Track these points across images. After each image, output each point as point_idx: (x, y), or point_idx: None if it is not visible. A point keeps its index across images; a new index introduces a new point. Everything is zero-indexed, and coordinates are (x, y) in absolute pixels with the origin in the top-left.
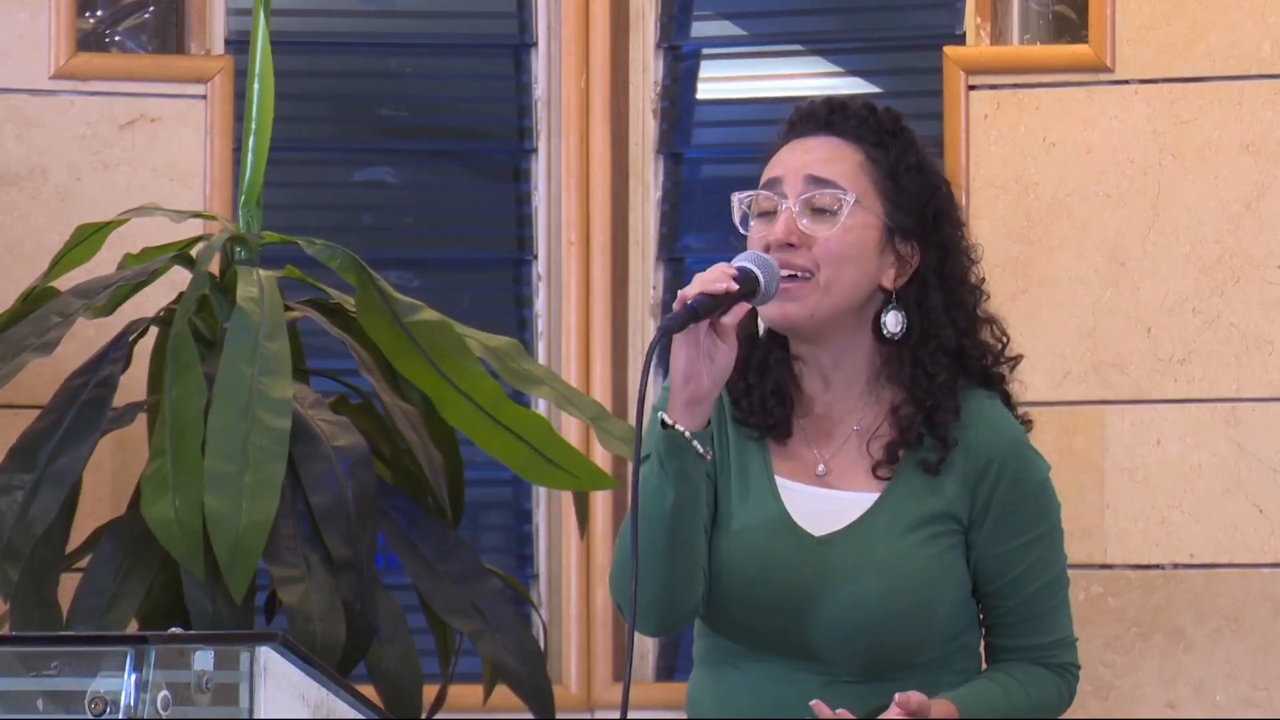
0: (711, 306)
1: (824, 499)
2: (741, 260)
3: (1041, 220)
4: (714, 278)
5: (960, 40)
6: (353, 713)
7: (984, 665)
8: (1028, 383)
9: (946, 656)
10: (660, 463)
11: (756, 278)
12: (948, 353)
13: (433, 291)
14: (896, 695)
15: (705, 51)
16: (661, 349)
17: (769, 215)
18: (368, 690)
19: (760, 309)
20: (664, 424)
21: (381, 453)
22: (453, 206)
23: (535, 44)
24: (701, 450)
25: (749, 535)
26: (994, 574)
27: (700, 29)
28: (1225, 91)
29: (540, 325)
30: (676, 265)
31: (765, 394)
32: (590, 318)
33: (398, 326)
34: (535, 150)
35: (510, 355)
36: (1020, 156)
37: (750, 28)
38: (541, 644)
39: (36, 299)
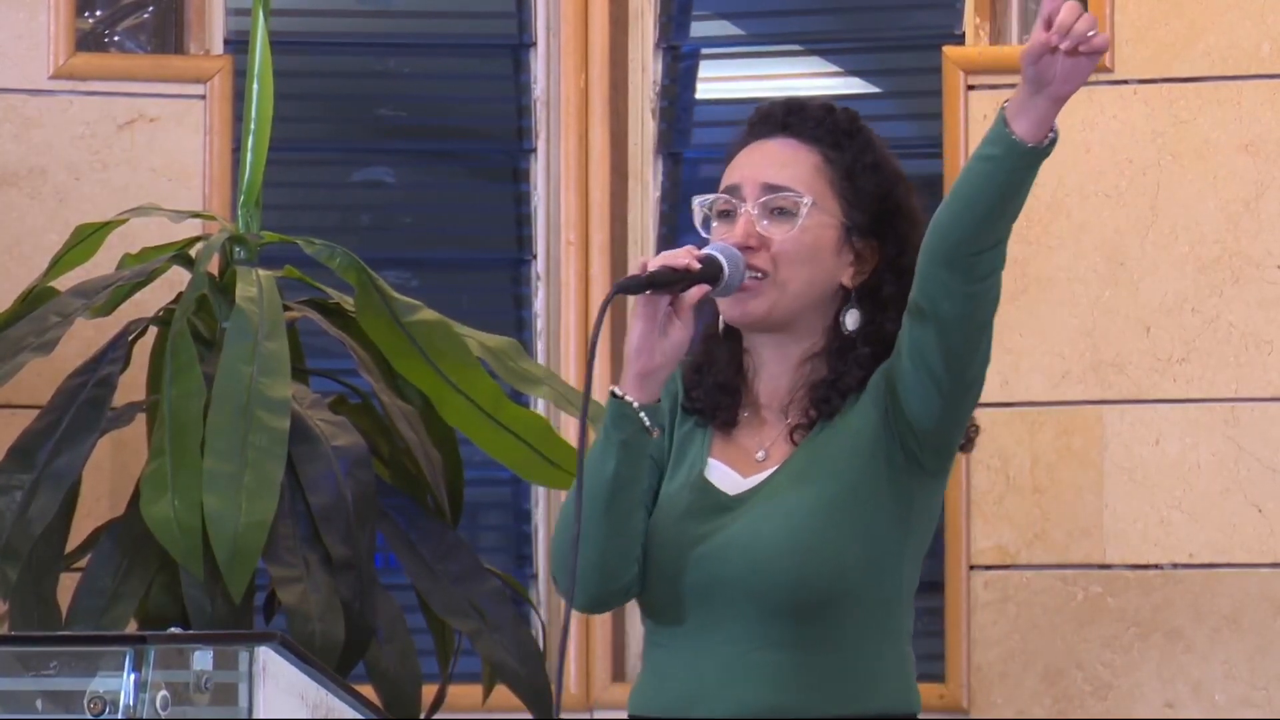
0: (670, 279)
1: (750, 469)
2: (710, 248)
3: (1040, 220)
4: (678, 254)
5: (959, 40)
6: (351, 713)
7: (910, 638)
8: (1026, 383)
9: (870, 620)
10: (605, 432)
11: (720, 264)
12: (885, 336)
13: (431, 291)
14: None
15: (704, 51)
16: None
17: (729, 217)
18: (366, 690)
19: (721, 305)
20: (613, 394)
21: (380, 453)
22: (451, 206)
23: (534, 44)
24: (648, 424)
25: (667, 500)
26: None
27: (699, 29)
28: (1224, 91)
29: (539, 325)
30: None
31: (714, 386)
32: (589, 318)
33: (396, 326)
34: (534, 150)
35: (509, 355)
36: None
37: (749, 28)
38: (540, 644)
39: (35, 299)
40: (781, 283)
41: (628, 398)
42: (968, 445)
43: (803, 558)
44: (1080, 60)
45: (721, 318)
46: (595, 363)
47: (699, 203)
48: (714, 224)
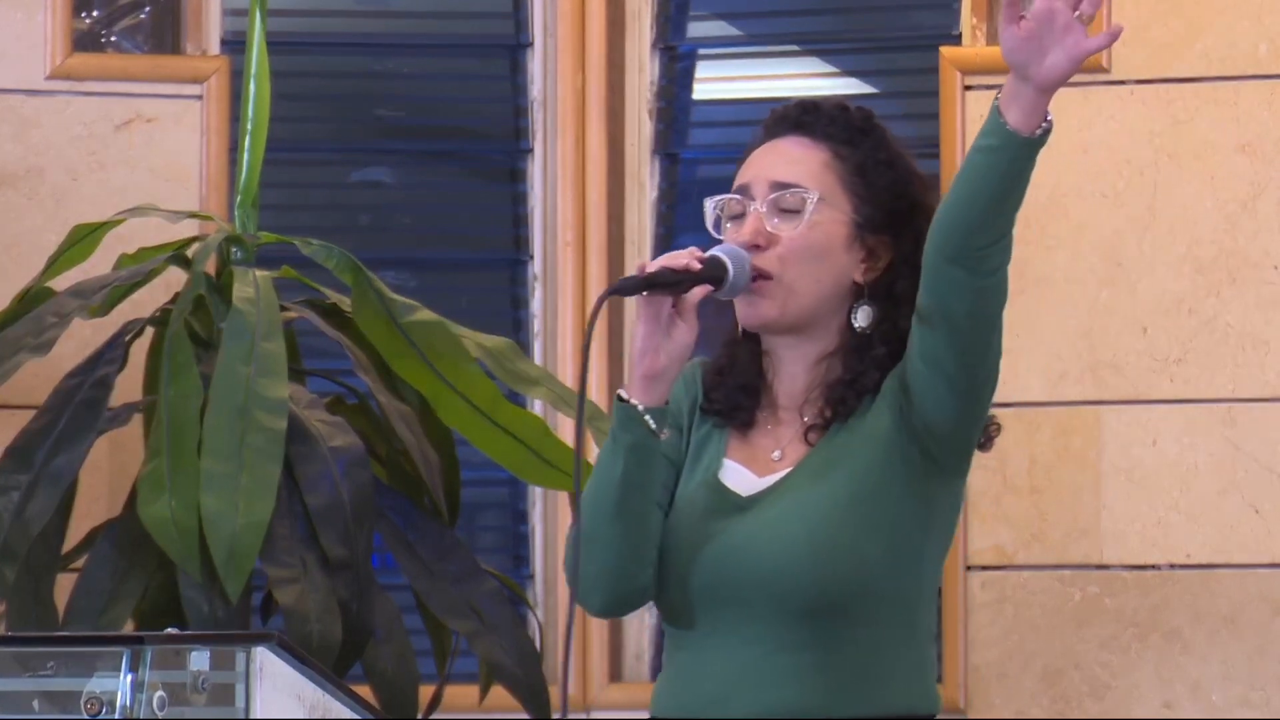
0: (670, 280)
1: (765, 470)
2: (715, 249)
3: (1038, 220)
4: (679, 255)
5: (956, 41)
6: (349, 713)
7: (932, 639)
8: (1024, 383)
9: (891, 619)
10: (613, 435)
11: (724, 264)
12: (901, 335)
13: (429, 292)
14: None
15: (701, 52)
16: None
17: (740, 218)
18: (364, 690)
19: (736, 307)
20: (619, 397)
21: (378, 453)
22: (449, 207)
23: (531, 44)
24: (654, 426)
25: (682, 503)
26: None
27: (696, 29)
28: (1221, 92)
29: (536, 326)
30: None
31: (734, 389)
32: (586, 318)
33: (394, 327)
34: (531, 150)
35: (506, 355)
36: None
37: (746, 28)
38: (537, 644)
39: (32, 299)
40: (789, 283)
41: (633, 401)
42: (987, 444)
43: (821, 558)
44: (1060, 53)
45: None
46: (590, 362)
47: (711, 204)
48: (726, 225)
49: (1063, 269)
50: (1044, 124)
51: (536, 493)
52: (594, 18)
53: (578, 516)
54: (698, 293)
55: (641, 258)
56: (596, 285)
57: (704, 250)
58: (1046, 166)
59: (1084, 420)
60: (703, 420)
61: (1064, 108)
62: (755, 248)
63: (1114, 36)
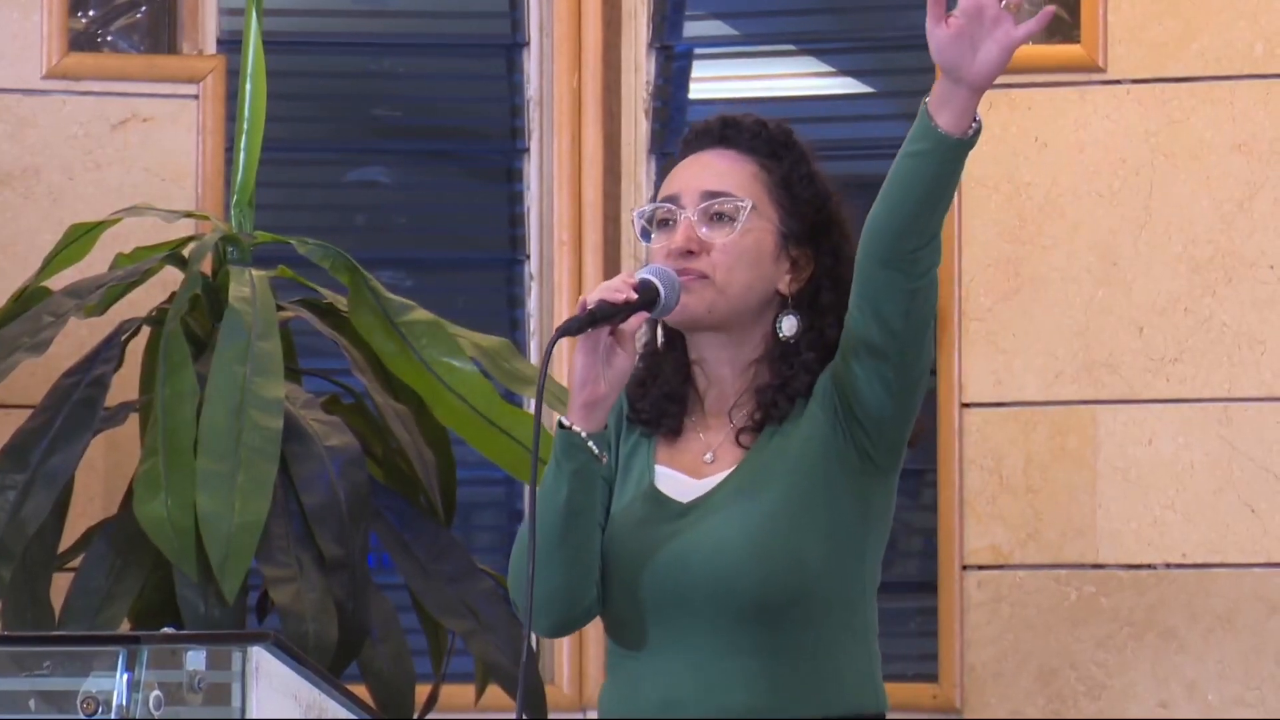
0: (609, 313)
1: (700, 475)
2: (644, 273)
3: (1034, 220)
4: (615, 286)
5: None
6: (345, 712)
7: (875, 636)
8: (1020, 383)
9: (836, 620)
10: (556, 461)
11: (656, 288)
12: (827, 342)
13: (425, 291)
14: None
15: (697, 51)
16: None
17: (668, 225)
18: (360, 690)
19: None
20: (560, 424)
21: (374, 452)
22: (445, 206)
23: (527, 44)
24: (596, 452)
25: (619, 515)
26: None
27: (692, 29)
28: (1217, 91)
29: (532, 325)
30: None
31: (660, 398)
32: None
33: (390, 326)
34: (527, 150)
35: (502, 355)
36: (1012, 156)
37: (742, 28)
38: (534, 644)
39: (29, 299)
40: (721, 285)
41: (575, 427)
42: (914, 441)
43: (763, 561)
44: (991, 46)
45: (660, 332)
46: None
47: (638, 214)
48: (653, 234)
49: (1058, 268)
50: (973, 125)
51: None
52: (590, 17)
53: (533, 552)
54: (635, 321)
55: (637, 258)
56: (592, 285)
57: (633, 277)
58: (1042, 166)
59: (1080, 420)
60: (629, 431)
61: (1059, 107)
62: (688, 253)
63: (1045, 20)
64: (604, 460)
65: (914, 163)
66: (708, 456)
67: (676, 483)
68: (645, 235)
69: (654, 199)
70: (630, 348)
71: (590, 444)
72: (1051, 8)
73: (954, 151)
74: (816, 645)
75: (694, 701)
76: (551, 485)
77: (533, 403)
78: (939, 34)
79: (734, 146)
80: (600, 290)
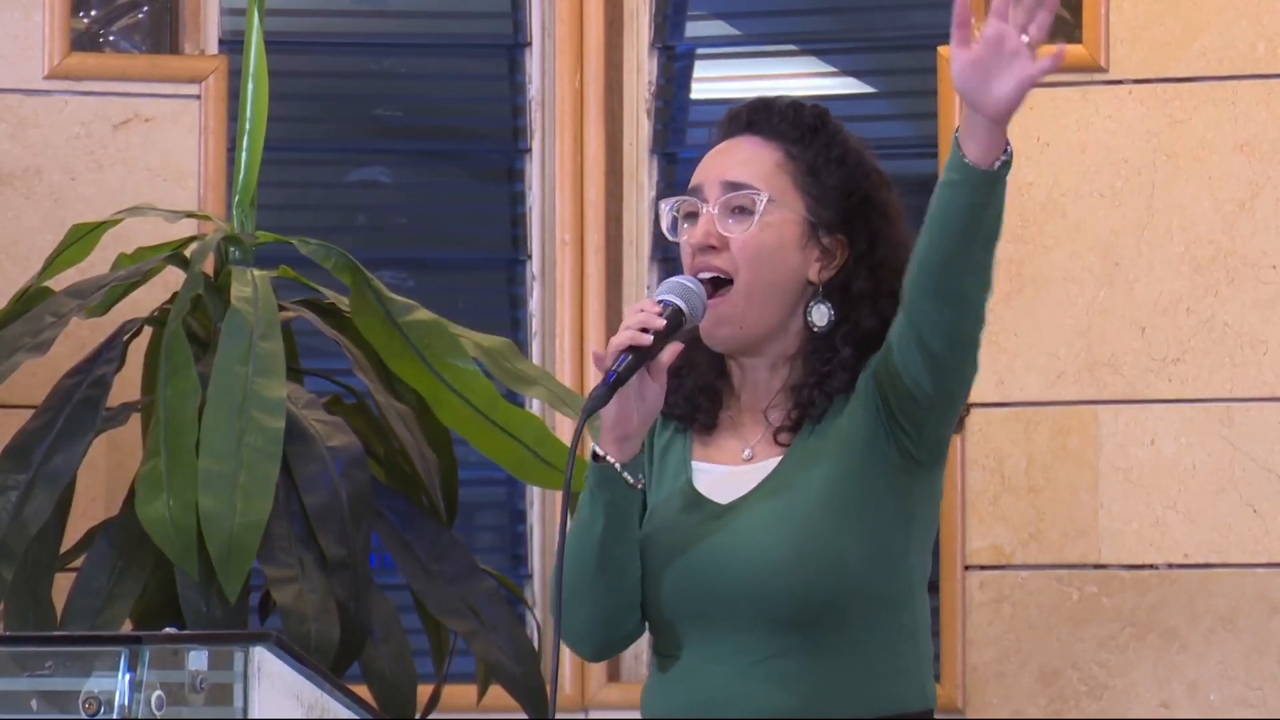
0: (636, 365)
1: (739, 475)
2: (663, 293)
3: (1036, 220)
4: (640, 322)
5: None
6: (347, 713)
7: (927, 632)
8: (1022, 383)
9: (881, 617)
10: (591, 494)
11: (680, 310)
12: (864, 335)
13: (427, 291)
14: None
15: (699, 51)
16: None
17: (694, 218)
18: (362, 690)
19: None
20: (595, 455)
21: (375, 453)
22: (447, 206)
23: (529, 44)
24: (631, 481)
25: (658, 512)
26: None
27: (694, 29)
28: (1219, 91)
29: (534, 325)
30: (670, 265)
31: (694, 390)
32: (584, 318)
33: (392, 326)
34: (529, 150)
35: (504, 355)
36: (1014, 156)
37: (744, 28)
38: (535, 644)
39: (30, 299)
40: (746, 289)
41: (609, 458)
42: (958, 427)
43: (804, 565)
44: (1007, 79)
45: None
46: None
47: (666, 206)
48: (682, 226)
49: (1060, 268)
50: (1003, 156)
51: (534, 492)
52: (592, 17)
53: (560, 585)
54: (668, 354)
55: (639, 258)
56: (594, 284)
57: (655, 301)
58: (1044, 166)
59: (1082, 420)
60: (663, 427)
61: (1061, 107)
62: (709, 248)
63: (1058, 60)
64: (640, 486)
65: (949, 193)
66: (746, 453)
67: (715, 482)
68: (674, 228)
69: (685, 190)
70: (663, 379)
71: (625, 474)
72: (1064, 47)
73: (983, 182)
74: (861, 645)
75: (734, 702)
76: (588, 517)
77: (534, 403)
78: (960, 58)
79: (760, 133)
80: (623, 335)
